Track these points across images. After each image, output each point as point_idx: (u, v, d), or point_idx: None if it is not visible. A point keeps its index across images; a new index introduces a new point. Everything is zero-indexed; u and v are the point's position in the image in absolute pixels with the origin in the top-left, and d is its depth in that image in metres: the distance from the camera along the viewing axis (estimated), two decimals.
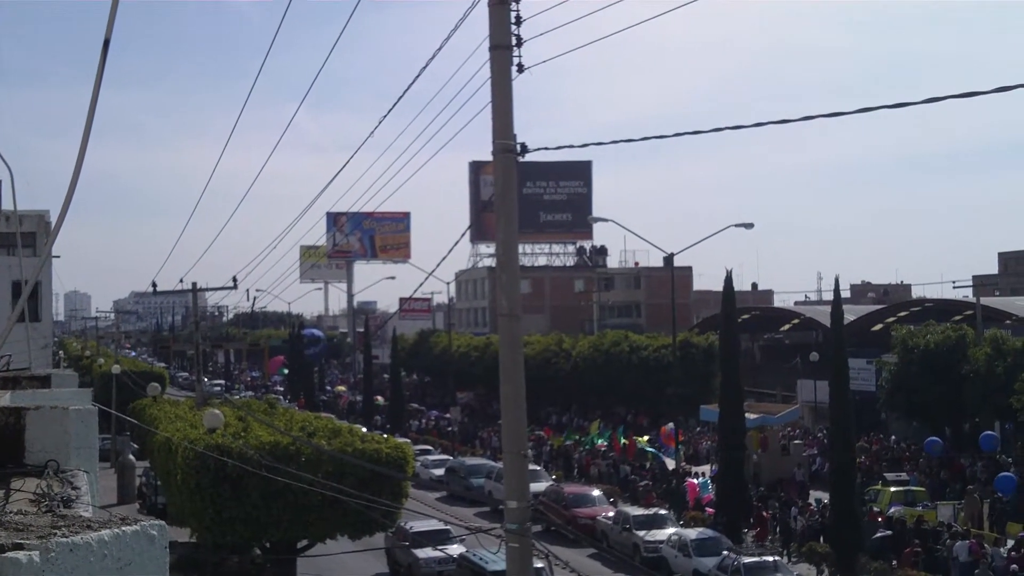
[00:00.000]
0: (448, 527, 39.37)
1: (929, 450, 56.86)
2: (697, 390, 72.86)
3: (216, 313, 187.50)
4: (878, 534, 41.11)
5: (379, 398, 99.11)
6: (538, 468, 58.15)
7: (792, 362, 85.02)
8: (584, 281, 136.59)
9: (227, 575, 35.68)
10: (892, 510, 45.30)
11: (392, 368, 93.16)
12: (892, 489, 48.55)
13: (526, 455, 12.14)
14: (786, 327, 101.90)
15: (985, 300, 75.12)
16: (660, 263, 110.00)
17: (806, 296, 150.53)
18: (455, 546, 38.77)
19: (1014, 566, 36.27)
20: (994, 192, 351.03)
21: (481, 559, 34.55)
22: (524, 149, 12.68)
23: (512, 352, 11.96)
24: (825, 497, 44.08)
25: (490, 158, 12.81)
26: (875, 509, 45.40)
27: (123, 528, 4.62)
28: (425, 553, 39.02)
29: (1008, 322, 69.92)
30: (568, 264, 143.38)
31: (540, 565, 24.38)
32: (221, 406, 36.77)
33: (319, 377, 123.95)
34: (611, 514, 47.42)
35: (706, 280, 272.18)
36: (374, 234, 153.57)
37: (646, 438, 65.68)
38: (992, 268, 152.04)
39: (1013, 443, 59.22)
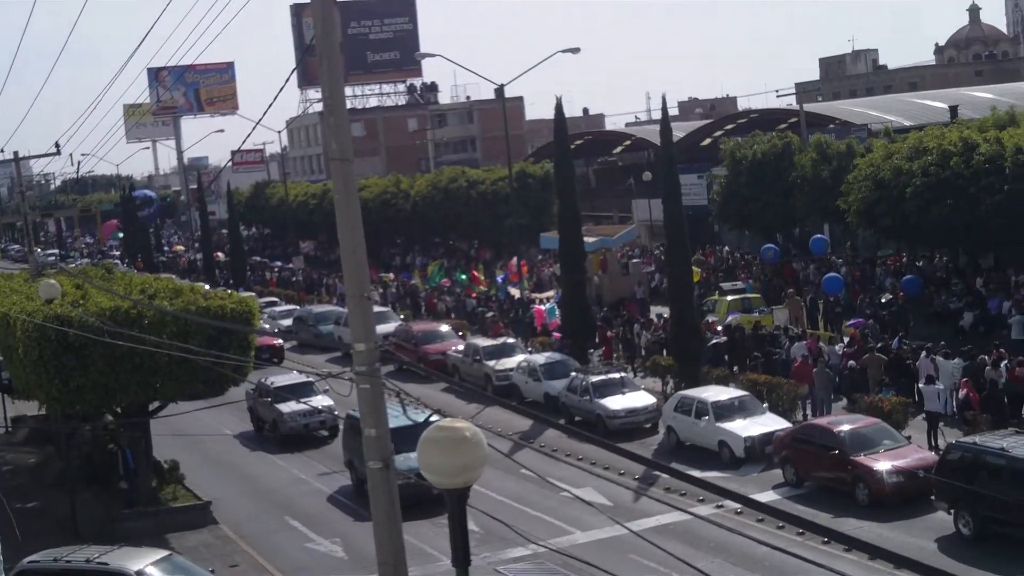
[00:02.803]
0: (311, 379, 39.59)
1: (764, 257, 58.66)
2: (536, 219, 73.72)
3: (44, 182, 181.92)
4: (712, 341, 42.57)
5: (219, 254, 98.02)
6: (386, 309, 58.51)
7: (626, 183, 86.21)
8: (417, 119, 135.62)
9: (80, 444, 35.57)
10: (730, 318, 46.87)
11: (230, 223, 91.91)
12: (729, 298, 50.04)
13: (369, 297, 12.26)
14: (619, 149, 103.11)
15: (808, 106, 76.90)
16: (492, 96, 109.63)
17: (636, 117, 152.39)
18: (319, 397, 38.96)
19: (851, 362, 37.94)
20: None
21: None
22: None
23: (347, 197, 11.96)
24: (666, 312, 45.32)
25: None
26: (714, 319, 46.92)
27: None
28: (289, 407, 39.11)
29: (832, 126, 71.68)
30: (400, 103, 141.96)
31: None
32: (57, 276, 36.04)
33: (155, 238, 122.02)
34: (461, 348, 48.15)
35: (538, 109, 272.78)
36: (199, 87, 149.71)
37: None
38: (814, 74, 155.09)
39: (842, 244, 61.38)
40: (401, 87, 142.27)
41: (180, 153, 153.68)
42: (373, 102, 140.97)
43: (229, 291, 42.10)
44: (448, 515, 10.47)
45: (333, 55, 12.24)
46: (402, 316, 59.25)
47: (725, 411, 33.91)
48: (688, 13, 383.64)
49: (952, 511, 25.98)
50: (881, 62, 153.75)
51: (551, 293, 60.15)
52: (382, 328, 50.04)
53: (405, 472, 26.39)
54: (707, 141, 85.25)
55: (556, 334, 49.18)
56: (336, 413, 37.23)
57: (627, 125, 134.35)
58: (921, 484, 27.24)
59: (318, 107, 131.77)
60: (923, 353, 36.26)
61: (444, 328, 52.35)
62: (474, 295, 62.63)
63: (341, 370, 23.13)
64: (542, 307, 54.68)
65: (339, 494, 33.60)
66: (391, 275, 76.88)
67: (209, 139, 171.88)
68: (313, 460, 37.87)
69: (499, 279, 62.60)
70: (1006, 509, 24.36)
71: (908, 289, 47.77)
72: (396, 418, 27.06)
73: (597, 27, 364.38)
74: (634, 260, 64.53)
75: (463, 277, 67.42)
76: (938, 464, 26.91)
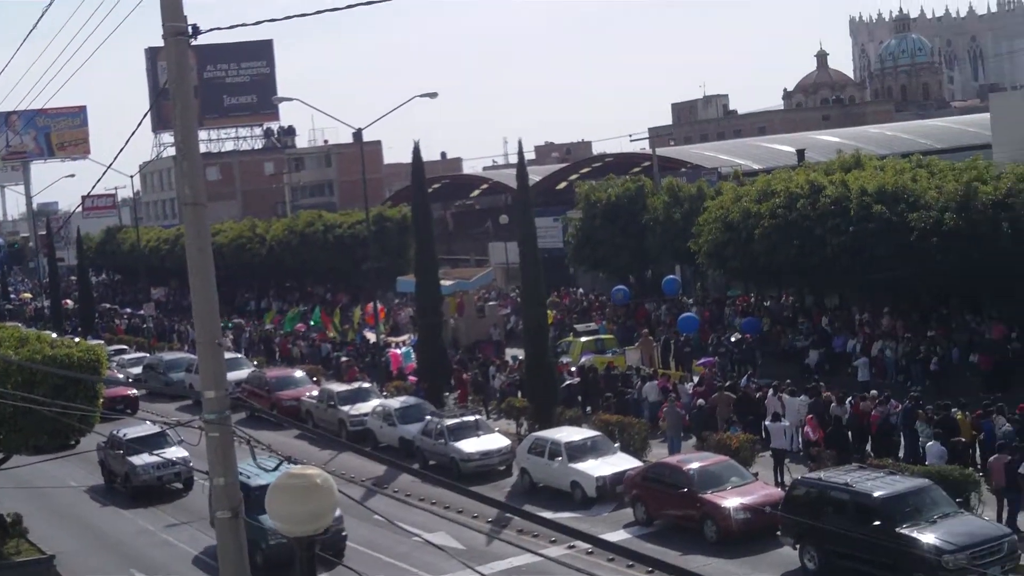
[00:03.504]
0: (164, 430, 38.57)
1: (614, 299, 59.31)
2: (393, 263, 73.59)
3: None
4: (566, 382, 42.82)
5: (68, 302, 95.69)
6: (239, 356, 57.68)
7: (483, 226, 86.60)
8: (274, 163, 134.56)
9: None
10: (583, 359, 47.20)
11: (79, 269, 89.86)
12: (583, 339, 50.43)
13: (220, 344, 12.06)
14: (476, 193, 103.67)
15: (661, 151, 78.01)
16: (350, 139, 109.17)
17: (494, 161, 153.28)
18: (174, 448, 37.91)
19: (700, 400, 38.41)
20: (666, 44, 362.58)
21: (243, 474, 33.28)
22: (196, 31, 12.25)
23: (199, 241, 11.75)
24: (521, 353, 45.44)
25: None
26: (568, 360, 47.19)
27: None
28: (141, 459, 37.93)
29: (683, 170, 72.88)
30: (257, 147, 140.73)
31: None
32: None
33: (1, 285, 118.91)
34: (315, 393, 47.64)
35: (397, 153, 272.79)
36: (50, 131, 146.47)
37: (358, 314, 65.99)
38: (667, 119, 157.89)
39: (693, 285, 62.33)
40: (258, 131, 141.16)
41: (29, 199, 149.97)
42: (229, 146, 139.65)
43: (76, 339, 41.03)
44: (297, 562, 10.26)
45: (187, 99, 12.06)
46: (255, 362, 58.41)
47: (578, 452, 34.01)
48: (543, 59, 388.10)
49: (798, 546, 26.33)
50: (731, 107, 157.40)
51: (407, 337, 59.96)
52: (235, 375, 49.40)
53: (275, 533, 25.98)
54: (563, 184, 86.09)
55: (412, 378, 48.99)
56: (191, 465, 36.33)
57: (485, 169, 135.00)
58: (768, 520, 27.52)
59: (172, 151, 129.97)
60: (770, 391, 36.91)
61: (298, 374, 51.76)
62: (329, 340, 62.09)
63: (191, 418, 22.57)
64: (398, 351, 54.47)
65: (205, 554, 31.66)
66: (243, 320, 75.90)
67: (60, 184, 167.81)
68: (165, 514, 36.71)
69: (365, 327, 62.09)
70: (850, 543, 24.76)
71: (749, 329, 48.74)
72: (270, 472, 26.21)
73: (456, 72, 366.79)
74: (490, 303, 64.68)
75: (318, 321, 66.80)
76: (784, 500, 27.29)
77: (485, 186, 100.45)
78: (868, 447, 33.06)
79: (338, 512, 27.59)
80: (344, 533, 29.19)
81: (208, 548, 31.67)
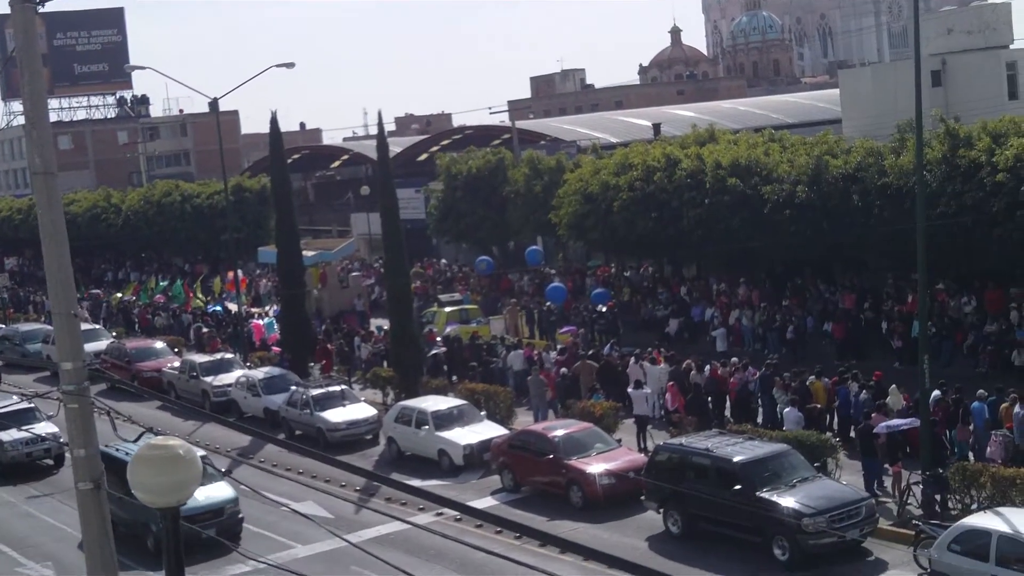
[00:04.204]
0: (33, 405, 37.35)
1: (477, 269, 59.76)
2: (253, 233, 73.01)
3: None
4: (431, 352, 43.15)
5: None
6: (97, 327, 56.73)
7: (345, 197, 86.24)
8: (128, 132, 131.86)
9: None
10: (448, 329, 47.55)
11: None
12: (447, 310, 50.75)
13: (76, 315, 12.02)
14: (337, 164, 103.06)
15: (520, 123, 78.62)
16: (206, 109, 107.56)
17: (354, 132, 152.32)
18: (43, 424, 36.76)
19: (564, 369, 39.01)
20: (525, 18, 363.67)
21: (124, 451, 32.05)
22: None
23: (51, 211, 11.66)
24: (385, 324, 45.61)
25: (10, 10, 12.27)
26: (433, 330, 47.49)
27: None
28: (9, 435, 36.83)
29: (543, 143, 73.60)
30: (110, 116, 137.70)
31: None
32: None
33: None
34: (177, 364, 47.18)
35: (255, 123, 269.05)
36: None
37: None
38: (526, 93, 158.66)
39: (555, 256, 63.07)
40: (111, 100, 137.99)
41: None
42: (82, 115, 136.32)
43: None
44: (163, 533, 10.32)
45: (35, 67, 11.93)
46: (115, 333, 57.51)
47: (444, 420, 34.37)
48: (404, 31, 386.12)
49: (661, 510, 27.04)
50: (589, 81, 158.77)
51: (269, 307, 59.62)
52: (93, 346, 48.69)
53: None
54: (424, 156, 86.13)
55: (275, 348, 48.80)
56: (62, 441, 35.49)
57: (345, 140, 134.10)
58: (632, 485, 28.22)
59: (22, 119, 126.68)
60: (632, 359, 37.70)
61: (159, 345, 51.11)
62: (190, 310, 61.42)
63: (49, 389, 22.23)
64: (260, 322, 54.17)
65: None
66: (100, 291, 74.51)
67: None
68: (36, 491, 35.62)
69: (227, 297, 61.46)
70: (712, 507, 25.49)
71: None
72: None
73: (315, 42, 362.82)
74: (353, 273, 64.60)
75: (179, 292, 66.01)
76: (647, 465, 27.98)
77: (345, 157, 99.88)
78: (727, 413, 34.01)
79: (233, 493, 27.49)
80: (241, 516, 28.65)
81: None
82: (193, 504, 26.29)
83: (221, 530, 27.30)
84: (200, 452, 28.29)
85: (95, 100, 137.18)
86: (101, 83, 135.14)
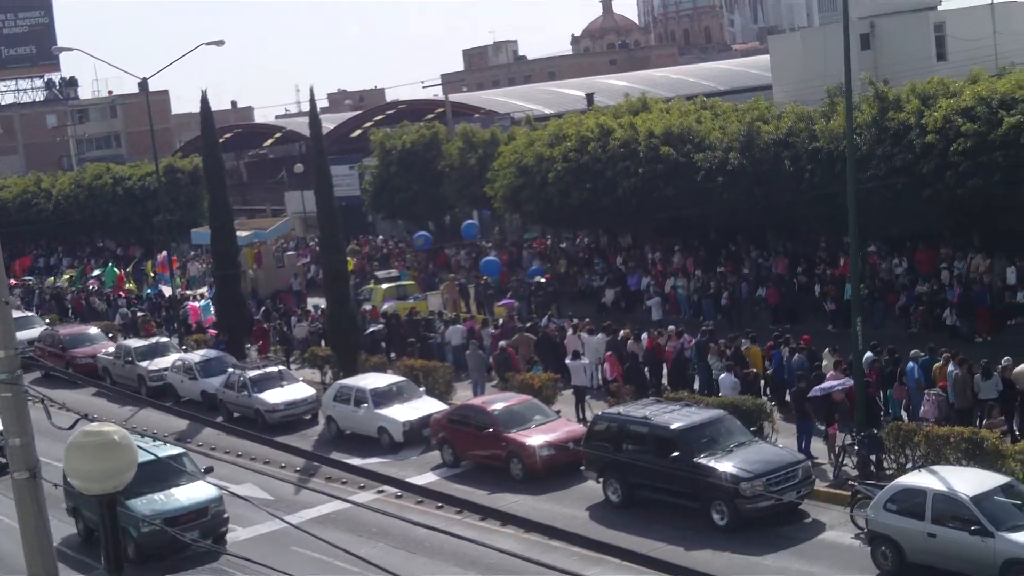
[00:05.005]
0: None
1: (415, 244, 59.63)
2: (187, 214, 72.40)
3: None
4: (369, 329, 43.00)
5: None
6: (29, 314, 56.05)
7: (279, 175, 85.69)
8: (57, 115, 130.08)
9: None
10: (386, 306, 47.40)
11: None
12: (384, 286, 50.58)
13: (7, 302, 11.84)
14: (269, 142, 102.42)
15: (454, 97, 78.42)
16: (136, 90, 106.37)
17: (286, 109, 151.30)
18: None
19: (502, 342, 38.99)
20: None
21: None
22: None
23: None
24: (322, 302, 45.40)
25: None
26: (370, 307, 47.33)
27: None
28: None
29: (476, 116, 73.44)
30: (38, 99, 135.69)
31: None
32: None
33: None
34: (111, 349, 46.71)
35: (186, 103, 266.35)
36: None
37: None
38: (458, 66, 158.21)
39: (491, 229, 63.03)
40: (39, 83, 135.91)
41: None
42: (9, 99, 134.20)
43: None
44: (99, 520, 10.23)
45: None
46: (47, 320, 56.83)
47: (383, 397, 34.28)
48: (336, 6, 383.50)
49: (601, 480, 27.16)
50: (521, 53, 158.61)
51: (205, 289, 59.17)
52: (26, 334, 48.09)
53: (148, 518, 25.14)
54: (357, 132, 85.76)
55: (211, 331, 48.43)
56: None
57: (277, 118, 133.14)
58: (572, 456, 28.28)
59: None
60: (569, 330, 37.77)
61: (93, 331, 50.53)
62: (124, 295, 60.81)
63: None
64: (196, 304, 53.74)
65: (63, 545, 28.90)
66: (32, 278, 73.56)
67: None
68: None
69: (161, 280, 60.85)
70: (651, 475, 25.65)
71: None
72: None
73: (245, 20, 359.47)
74: (289, 252, 64.20)
75: (112, 277, 65.33)
76: (586, 435, 28.07)
77: (278, 135, 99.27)
78: (664, 381, 34.16)
79: (217, 492, 25.98)
80: (226, 516, 26.68)
81: (66, 538, 28.82)
82: (175, 505, 25.95)
83: (205, 531, 25.90)
84: (180, 450, 27.54)
85: (23, 83, 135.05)
86: (28, 66, 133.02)
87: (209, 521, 26.17)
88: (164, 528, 24.34)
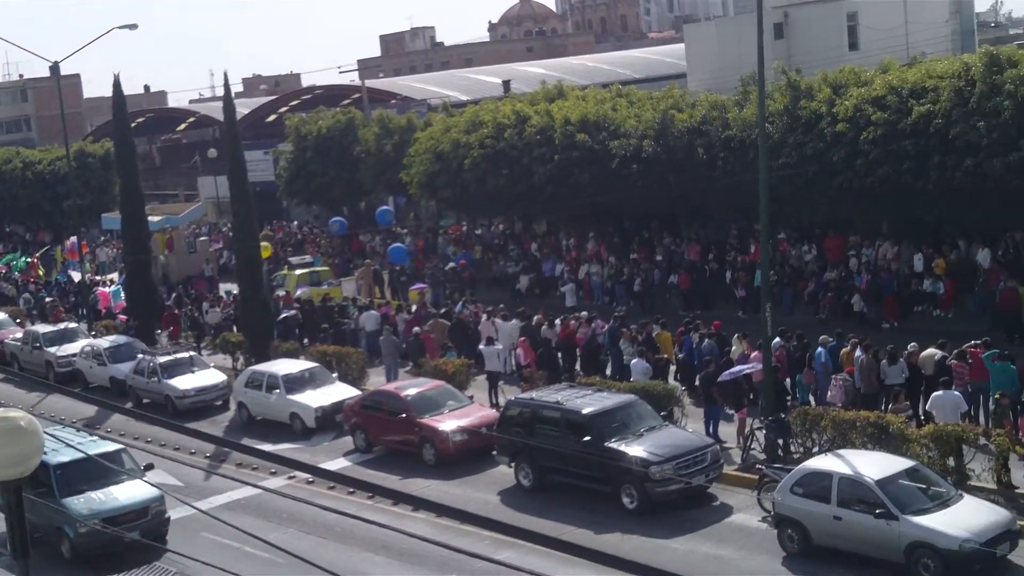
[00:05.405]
0: None
1: (330, 230, 59.31)
2: (98, 199, 71.44)
3: None
4: (282, 315, 42.72)
5: None
6: None
7: (192, 160, 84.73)
8: None
9: None
10: (299, 291, 47.12)
11: None
12: (298, 272, 50.29)
13: None
14: (183, 126, 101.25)
15: (370, 83, 78.08)
16: (47, 73, 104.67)
17: (200, 94, 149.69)
18: None
19: (416, 328, 38.89)
20: None
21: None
22: None
23: None
24: (235, 288, 45.03)
25: None
26: (283, 293, 47.01)
27: None
28: None
29: (393, 102, 73.14)
30: None
31: None
32: None
33: None
34: (19, 335, 45.95)
35: (98, 87, 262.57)
36: None
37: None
38: (376, 51, 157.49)
39: (406, 215, 62.88)
40: None
41: None
42: None
43: None
44: (4, 508, 10.09)
45: None
46: None
47: (295, 383, 34.04)
48: None
49: (513, 464, 27.18)
50: (438, 39, 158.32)
51: (115, 275, 58.42)
52: None
53: (85, 518, 24.24)
54: (272, 117, 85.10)
55: (121, 316, 47.83)
56: None
57: (191, 102, 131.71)
58: (484, 441, 28.29)
59: None
60: (484, 316, 37.79)
61: (0, 316, 49.69)
62: (32, 280, 59.84)
63: None
64: (106, 289, 53.04)
65: None
66: None
67: None
68: None
69: (70, 265, 59.92)
70: (562, 459, 25.73)
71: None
72: (57, 452, 24.15)
73: (158, 3, 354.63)
74: (201, 238, 63.55)
75: (21, 263, 64.27)
76: (499, 420, 28.07)
77: (192, 119, 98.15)
78: (577, 366, 34.29)
79: (157, 492, 25.02)
80: (167, 516, 25.34)
81: None
82: (114, 504, 24.81)
83: (145, 531, 24.54)
84: (118, 446, 26.58)
85: None
86: None
87: (150, 521, 24.88)
88: (103, 528, 23.59)
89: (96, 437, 28.06)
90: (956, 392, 25.34)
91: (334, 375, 35.41)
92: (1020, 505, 21.79)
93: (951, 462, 22.98)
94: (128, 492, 25.08)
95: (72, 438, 26.09)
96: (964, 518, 20.05)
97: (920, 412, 26.85)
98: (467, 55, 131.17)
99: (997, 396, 24.37)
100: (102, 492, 25.08)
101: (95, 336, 44.77)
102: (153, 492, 25.05)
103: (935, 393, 25.28)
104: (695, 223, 46.13)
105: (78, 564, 24.51)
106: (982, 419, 26.03)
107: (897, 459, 22.10)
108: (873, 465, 21.45)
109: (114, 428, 35.09)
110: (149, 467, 26.71)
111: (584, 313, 36.57)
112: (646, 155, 42.04)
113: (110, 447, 26.50)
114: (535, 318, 36.48)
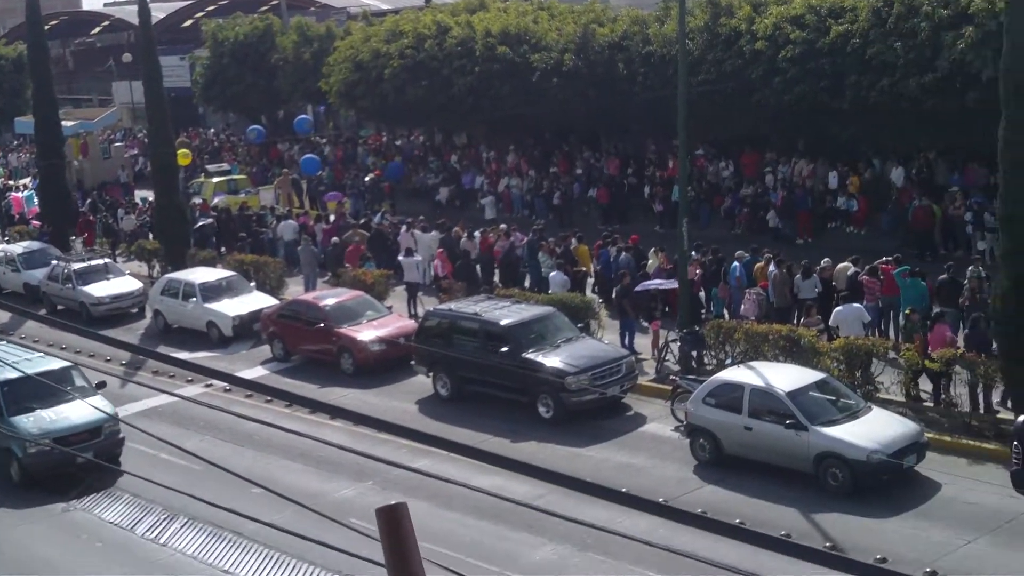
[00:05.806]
0: None
1: (248, 138, 58.71)
2: (10, 103, 70.05)
3: None
4: (199, 223, 42.39)
5: None
6: None
7: (106, 65, 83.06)
8: None
9: None
10: (216, 200, 46.73)
11: None
12: (215, 180, 49.83)
13: None
14: (97, 30, 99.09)
15: None
16: None
17: None
18: None
19: (334, 238, 38.69)
20: None
21: None
22: None
23: None
24: (150, 195, 44.56)
25: None
26: (200, 200, 46.60)
27: None
28: None
29: (312, 9, 72.23)
30: None
31: None
32: None
33: None
34: None
35: None
36: None
37: None
38: None
39: (325, 124, 62.39)
40: None
41: None
42: None
43: None
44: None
45: None
46: None
47: (212, 292, 33.88)
48: None
49: (431, 374, 27.41)
50: None
51: (28, 180, 57.48)
52: None
53: (35, 438, 23.25)
54: (189, 22, 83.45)
55: (35, 222, 47.17)
56: None
57: (106, 5, 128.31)
58: (403, 351, 28.43)
59: None
60: (403, 227, 37.78)
61: None
62: None
63: None
64: (19, 195, 52.24)
65: None
66: None
67: None
68: None
69: None
70: (480, 369, 26.00)
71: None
72: (3, 369, 23.26)
73: None
74: (116, 144, 62.63)
75: None
76: (417, 331, 28.22)
77: (107, 23, 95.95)
78: (496, 278, 34.48)
79: (111, 409, 24.16)
80: (121, 436, 24.13)
81: None
82: (65, 424, 23.77)
83: (99, 452, 23.40)
84: (67, 363, 25.56)
85: None
86: None
87: (103, 441, 23.80)
88: (54, 448, 22.70)
89: (43, 354, 27.30)
90: (857, 305, 25.87)
91: (252, 284, 35.28)
92: (928, 418, 22.42)
93: (860, 375, 23.54)
94: (80, 411, 23.75)
95: (18, 354, 25.59)
96: (873, 430, 20.60)
97: (830, 325, 27.40)
98: None
99: (907, 312, 24.88)
100: (52, 411, 23.98)
101: (8, 242, 44.18)
102: (107, 410, 23.78)
103: (837, 308, 25.85)
104: (614, 137, 46.28)
105: (28, 486, 23.66)
106: (892, 334, 26.67)
107: (808, 371, 22.58)
108: (784, 377, 21.93)
109: (28, 335, 34.80)
110: (101, 385, 25.46)
111: (503, 226, 36.70)
112: (567, 69, 42.00)
113: (59, 364, 25.51)
114: (454, 230, 36.54)
